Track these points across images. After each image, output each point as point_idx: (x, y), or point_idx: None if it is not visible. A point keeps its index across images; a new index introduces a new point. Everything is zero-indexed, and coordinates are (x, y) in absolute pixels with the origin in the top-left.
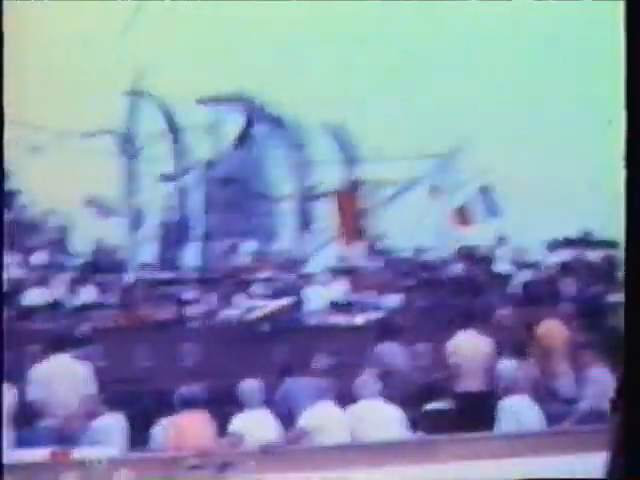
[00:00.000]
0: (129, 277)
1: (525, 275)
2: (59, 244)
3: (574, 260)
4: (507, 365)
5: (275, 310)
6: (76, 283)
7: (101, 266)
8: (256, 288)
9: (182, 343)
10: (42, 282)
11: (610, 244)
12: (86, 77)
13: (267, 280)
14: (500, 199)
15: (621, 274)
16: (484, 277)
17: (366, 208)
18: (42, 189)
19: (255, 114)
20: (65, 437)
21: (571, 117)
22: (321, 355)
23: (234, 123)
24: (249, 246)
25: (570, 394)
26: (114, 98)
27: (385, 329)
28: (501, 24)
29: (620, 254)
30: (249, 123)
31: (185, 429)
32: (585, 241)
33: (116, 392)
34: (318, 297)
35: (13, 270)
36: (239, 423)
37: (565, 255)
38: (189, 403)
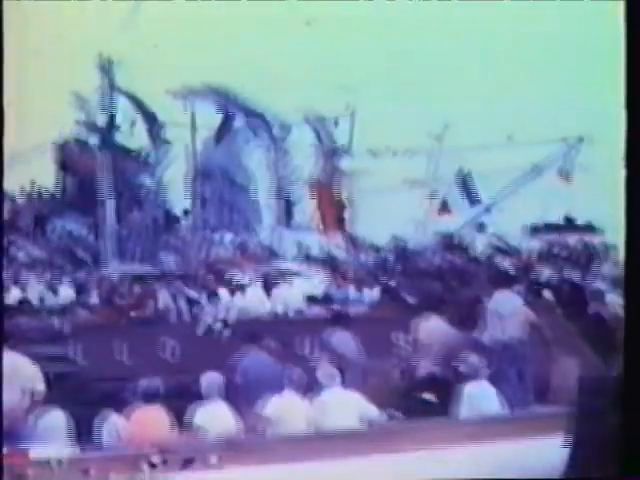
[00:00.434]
0: (108, 272)
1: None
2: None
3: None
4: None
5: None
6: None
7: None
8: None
9: (160, 338)
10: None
11: (590, 229)
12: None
13: (246, 272)
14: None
15: (599, 261)
16: (463, 264)
17: (345, 199)
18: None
19: (234, 107)
20: (10, 435)
21: (571, 116)
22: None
23: (212, 116)
24: (229, 238)
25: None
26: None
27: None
28: (501, 24)
29: (598, 239)
30: (228, 116)
31: (144, 424)
32: (565, 226)
33: (62, 388)
34: (297, 289)
35: None
36: (199, 416)
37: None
38: (147, 397)
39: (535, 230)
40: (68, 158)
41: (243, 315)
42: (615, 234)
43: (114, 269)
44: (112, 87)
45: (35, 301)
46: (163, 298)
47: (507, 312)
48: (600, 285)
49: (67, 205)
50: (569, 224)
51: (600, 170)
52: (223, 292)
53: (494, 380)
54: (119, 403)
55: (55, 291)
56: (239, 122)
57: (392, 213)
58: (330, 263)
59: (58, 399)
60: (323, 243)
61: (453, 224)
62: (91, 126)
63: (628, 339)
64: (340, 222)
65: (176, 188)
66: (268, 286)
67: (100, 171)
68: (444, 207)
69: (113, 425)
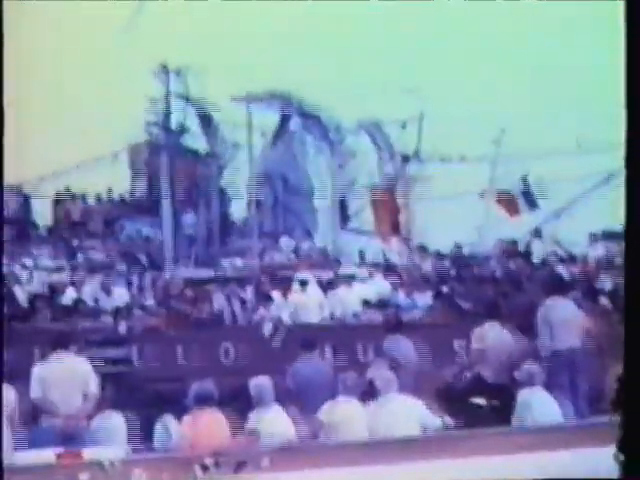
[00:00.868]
0: (167, 275)
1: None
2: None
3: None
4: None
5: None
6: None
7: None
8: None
9: (220, 342)
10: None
11: None
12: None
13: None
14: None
15: None
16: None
17: (404, 205)
18: None
19: (292, 111)
20: (68, 437)
21: (571, 116)
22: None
23: (271, 120)
24: (288, 243)
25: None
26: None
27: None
28: (501, 24)
29: None
30: (285, 120)
31: (200, 428)
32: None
33: (119, 391)
34: (353, 293)
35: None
36: (253, 420)
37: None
38: (201, 400)
39: (594, 237)
40: (138, 160)
41: (299, 319)
42: None
43: (172, 272)
44: (175, 92)
45: (92, 302)
46: (218, 301)
47: (564, 320)
48: None
49: (136, 208)
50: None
51: None
52: (279, 296)
53: (550, 388)
54: (174, 405)
55: (109, 292)
56: (295, 125)
57: (454, 219)
58: (387, 268)
59: (113, 401)
60: (380, 248)
61: (515, 231)
62: (160, 128)
63: (628, 339)
64: (397, 227)
65: (234, 191)
66: (325, 290)
67: (163, 173)
68: (514, 208)
69: (167, 428)
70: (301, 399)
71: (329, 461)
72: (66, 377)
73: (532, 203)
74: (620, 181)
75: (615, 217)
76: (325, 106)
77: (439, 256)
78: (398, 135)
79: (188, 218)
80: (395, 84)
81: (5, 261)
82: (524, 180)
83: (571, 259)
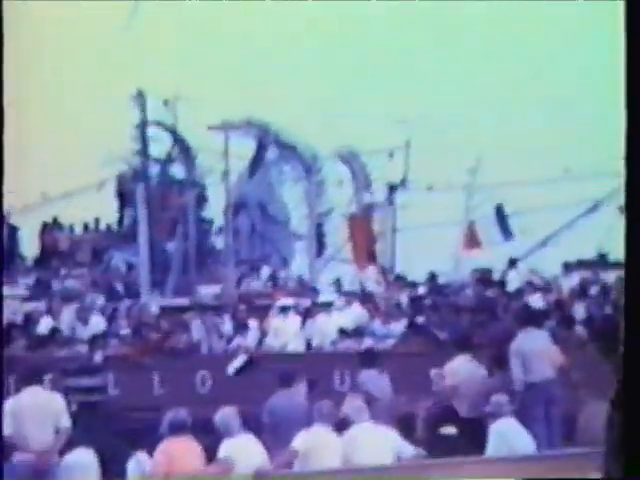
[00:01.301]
0: (143, 303)
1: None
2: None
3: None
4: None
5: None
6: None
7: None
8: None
9: (196, 370)
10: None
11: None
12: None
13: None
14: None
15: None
16: (496, 300)
17: (379, 233)
18: None
19: (269, 140)
20: (40, 473)
21: (570, 116)
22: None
23: (247, 149)
24: (264, 271)
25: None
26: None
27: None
28: (501, 24)
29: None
30: (262, 149)
31: (174, 456)
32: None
33: (94, 420)
34: (329, 322)
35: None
36: (226, 448)
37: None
38: (174, 428)
39: (568, 267)
40: (124, 189)
41: (277, 346)
42: None
43: (148, 300)
44: (152, 121)
45: (69, 331)
46: (195, 330)
47: (537, 351)
48: None
49: (124, 237)
50: (602, 260)
51: None
52: (255, 324)
53: (524, 420)
54: (149, 434)
55: (86, 321)
56: (272, 154)
57: (430, 248)
58: (362, 296)
59: (88, 432)
60: (356, 276)
61: (490, 260)
62: (137, 157)
63: (628, 339)
64: (374, 256)
65: (211, 220)
66: (302, 318)
67: (140, 201)
68: (473, 240)
69: (140, 464)
70: (276, 431)
71: None
72: (38, 412)
73: (507, 233)
74: (603, 209)
75: (590, 246)
76: (302, 135)
77: (414, 285)
78: (380, 164)
79: (165, 246)
80: (373, 113)
81: None
82: (499, 210)
83: (546, 288)
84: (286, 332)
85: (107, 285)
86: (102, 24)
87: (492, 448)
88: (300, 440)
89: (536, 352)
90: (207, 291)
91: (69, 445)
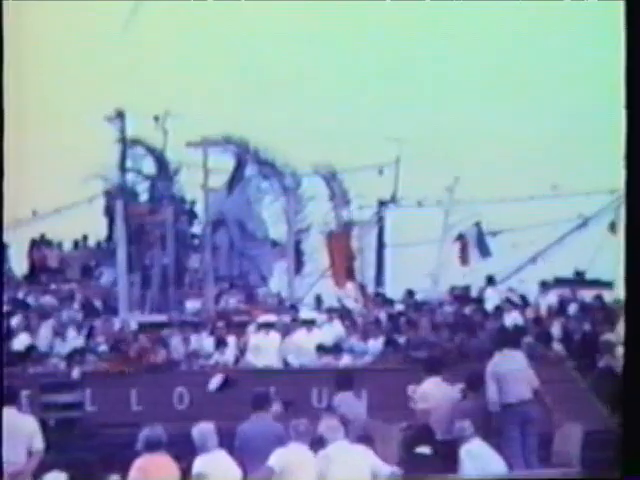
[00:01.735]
0: (120, 321)
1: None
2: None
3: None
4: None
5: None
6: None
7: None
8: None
9: (174, 387)
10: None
11: (603, 284)
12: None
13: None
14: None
15: (614, 314)
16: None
17: (357, 250)
18: None
19: (247, 157)
20: None
21: (571, 117)
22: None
23: (225, 165)
24: (241, 289)
25: None
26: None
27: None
28: (501, 24)
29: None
30: (241, 166)
31: (150, 472)
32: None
33: (64, 446)
34: (307, 338)
35: None
36: (201, 465)
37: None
38: (150, 445)
39: (545, 285)
40: (112, 206)
41: (255, 364)
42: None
43: (126, 317)
44: (131, 138)
45: (46, 348)
46: (174, 346)
47: (513, 372)
48: (611, 337)
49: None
50: (579, 278)
51: None
52: (233, 341)
53: (498, 440)
54: (125, 451)
55: (63, 337)
56: (251, 170)
57: (407, 265)
58: (340, 313)
59: (59, 455)
60: (334, 293)
61: (468, 277)
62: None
63: (628, 340)
64: (351, 272)
65: (190, 236)
66: (281, 334)
67: (118, 218)
68: (465, 256)
69: None
70: (252, 449)
71: None
72: (11, 434)
73: (485, 250)
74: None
75: (568, 264)
76: (280, 151)
77: (391, 302)
78: (369, 181)
79: (144, 262)
80: (353, 129)
81: None
82: (477, 227)
83: (524, 306)
84: (266, 349)
85: (86, 301)
86: (91, 40)
87: (465, 468)
88: (276, 458)
89: (512, 373)
90: (186, 307)
91: (42, 468)
